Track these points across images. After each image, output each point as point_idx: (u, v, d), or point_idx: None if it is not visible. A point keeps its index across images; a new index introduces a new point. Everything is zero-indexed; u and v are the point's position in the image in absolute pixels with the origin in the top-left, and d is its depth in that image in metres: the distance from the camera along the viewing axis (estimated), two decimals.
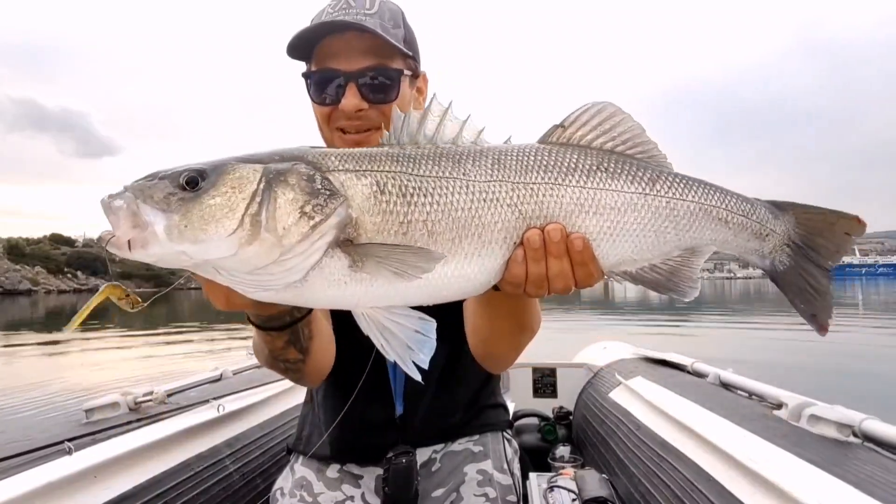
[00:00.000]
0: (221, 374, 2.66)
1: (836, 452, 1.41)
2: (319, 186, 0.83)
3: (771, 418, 1.74)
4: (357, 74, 1.27)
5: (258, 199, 0.81)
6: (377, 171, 0.87)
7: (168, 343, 14.22)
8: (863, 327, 14.91)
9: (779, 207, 1.03)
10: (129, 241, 0.78)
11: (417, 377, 0.85)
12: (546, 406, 3.17)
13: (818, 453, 1.40)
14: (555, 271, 0.91)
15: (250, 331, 1.21)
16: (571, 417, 3.03)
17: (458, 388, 1.56)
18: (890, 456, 1.36)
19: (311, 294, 0.87)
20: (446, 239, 0.87)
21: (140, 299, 1.01)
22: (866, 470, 1.29)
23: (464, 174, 0.89)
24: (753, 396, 2.07)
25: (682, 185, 0.98)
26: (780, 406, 1.78)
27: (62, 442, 1.59)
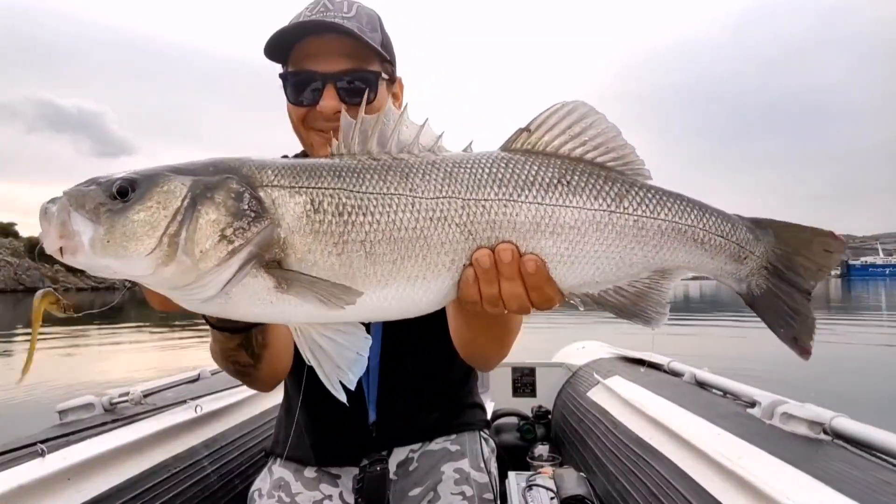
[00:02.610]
0: (199, 375, 2.63)
1: (808, 449, 1.45)
2: (246, 206, 0.79)
3: (744, 416, 1.78)
4: (335, 76, 1.26)
5: (179, 217, 0.77)
6: (314, 187, 0.82)
7: (180, 338, 13.96)
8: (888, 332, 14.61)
9: (759, 226, 0.94)
10: (60, 248, 0.77)
11: (343, 398, 0.82)
12: (525, 405, 3.19)
13: (790, 450, 1.44)
14: (508, 293, 0.86)
15: None
16: (550, 416, 3.06)
17: (436, 388, 1.57)
18: (858, 453, 1.40)
19: (234, 309, 0.84)
20: (386, 261, 0.82)
21: (70, 305, 0.98)
22: (836, 466, 1.32)
23: (410, 190, 0.83)
24: (728, 395, 2.11)
25: (653, 202, 0.88)
26: (753, 404, 1.82)
27: (34, 444, 1.56)
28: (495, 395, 3.26)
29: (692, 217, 0.90)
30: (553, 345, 4.03)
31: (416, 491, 1.46)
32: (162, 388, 2.35)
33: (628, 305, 0.90)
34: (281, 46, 1.29)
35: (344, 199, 0.82)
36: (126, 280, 0.87)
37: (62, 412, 1.93)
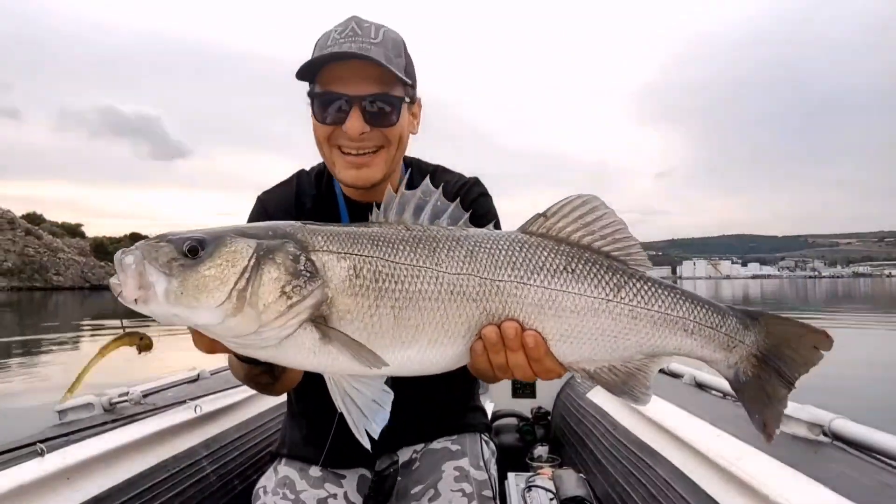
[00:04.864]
0: (199, 375, 2.63)
1: (807, 451, 1.45)
2: (302, 267, 0.90)
3: (744, 418, 1.77)
4: (361, 99, 1.31)
5: (247, 274, 0.88)
6: (357, 254, 0.93)
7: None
8: None
9: (751, 317, 1.00)
10: (135, 298, 0.86)
11: (367, 444, 0.92)
12: (525, 406, 3.19)
13: (789, 452, 1.44)
14: (513, 363, 0.96)
15: None
16: (550, 418, 3.06)
17: (440, 394, 1.58)
18: (857, 454, 1.40)
19: (283, 357, 0.94)
20: (410, 325, 0.92)
21: (148, 345, 1.08)
22: (835, 468, 1.32)
23: (436, 264, 0.94)
24: (727, 396, 2.11)
25: (648, 293, 0.96)
26: None
27: (34, 443, 1.56)
28: (495, 397, 3.26)
29: (683, 309, 0.97)
30: None
31: (417, 488, 1.48)
32: (161, 389, 2.35)
33: (619, 384, 0.98)
34: (311, 67, 1.34)
35: (380, 267, 0.93)
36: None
37: (61, 412, 1.93)
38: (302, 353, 0.92)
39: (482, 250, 0.95)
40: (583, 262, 0.96)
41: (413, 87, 1.43)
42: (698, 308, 0.97)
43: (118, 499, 1.57)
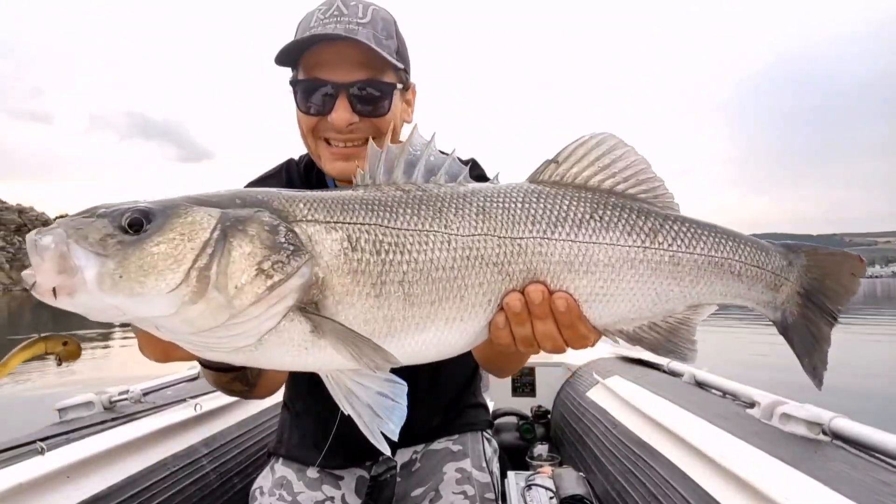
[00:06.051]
0: (199, 373, 2.63)
1: (807, 450, 1.45)
2: (283, 240, 0.73)
3: (744, 417, 1.78)
4: (348, 86, 1.21)
5: (209, 249, 0.70)
6: (349, 222, 0.77)
7: None
8: None
9: (791, 251, 0.93)
10: (53, 288, 0.67)
11: (386, 450, 0.78)
12: (524, 405, 3.19)
13: (789, 451, 1.43)
14: (541, 332, 0.84)
15: None
16: (549, 416, 3.06)
17: (441, 392, 1.57)
18: (857, 453, 1.40)
19: (265, 358, 0.77)
20: (425, 302, 0.78)
21: (74, 353, 0.91)
22: (835, 467, 1.32)
23: (445, 227, 0.79)
24: (727, 395, 2.11)
25: (688, 235, 0.86)
26: (752, 405, 1.82)
27: (34, 442, 1.56)
28: (495, 395, 3.26)
29: (728, 249, 0.88)
30: None
31: (418, 491, 1.46)
32: (161, 387, 2.35)
33: (663, 342, 0.87)
34: (292, 52, 1.24)
35: (380, 236, 0.77)
36: (129, 323, 0.76)
37: (61, 410, 1.93)
38: (289, 351, 0.76)
39: (495, 206, 0.82)
40: (609, 207, 0.84)
41: (406, 71, 1.32)
42: (742, 246, 0.88)
43: (118, 497, 1.56)
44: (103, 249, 0.68)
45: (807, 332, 0.93)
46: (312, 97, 1.24)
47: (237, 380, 1.12)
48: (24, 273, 0.68)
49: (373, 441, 0.78)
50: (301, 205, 0.78)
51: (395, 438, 0.78)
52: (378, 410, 0.79)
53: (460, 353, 0.87)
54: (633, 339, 0.87)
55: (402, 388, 0.81)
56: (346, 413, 0.80)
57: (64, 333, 0.91)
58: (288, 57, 1.25)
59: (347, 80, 1.21)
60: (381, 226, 0.78)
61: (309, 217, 0.77)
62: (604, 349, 3.34)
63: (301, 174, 1.49)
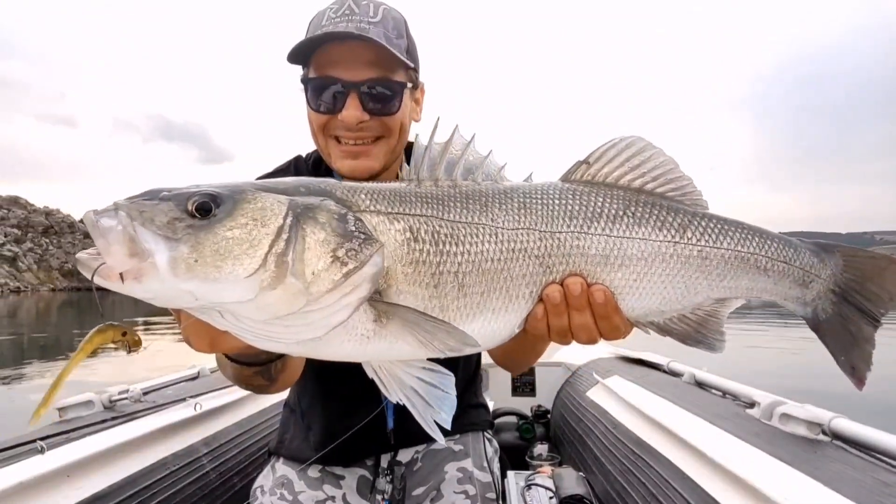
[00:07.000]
0: (199, 372, 2.64)
1: (807, 450, 1.45)
2: (353, 228, 0.73)
3: (744, 417, 1.78)
4: (359, 85, 1.22)
5: (284, 235, 0.69)
6: (410, 214, 0.79)
7: None
8: None
9: (825, 250, 0.94)
10: (121, 273, 0.64)
11: (441, 439, 0.81)
12: (524, 405, 3.19)
13: (789, 451, 1.44)
14: (577, 324, 0.87)
15: None
16: (549, 416, 3.06)
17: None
18: (857, 454, 1.40)
19: (326, 349, 0.77)
20: (475, 293, 0.80)
21: (138, 341, 0.91)
22: (835, 467, 1.32)
23: (492, 220, 0.83)
24: (727, 395, 2.11)
25: (715, 231, 0.90)
26: (752, 405, 1.82)
27: (34, 441, 1.56)
28: (495, 395, 3.26)
29: (754, 244, 0.91)
30: (553, 344, 4.01)
31: (419, 490, 1.47)
32: (161, 386, 2.35)
33: (692, 333, 0.90)
34: (303, 49, 1.25)
35: (437, 228, 0.79)
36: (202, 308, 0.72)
37: (62, 409, 1.93)
38: (352, 341, 0.76)
39: (534, 202, 0.85)
40: (641, 204, 0.88)
41: (416, 70, 1.33)
42: (769, 242, 0.91)
43: (118, 496, 1.57)
44: (173, 233, 0.66)
45: (843, 331, 0.94)
46: (323, 95, 1.25)
47: (260, 374, 1.12)
48: (82, 256, 0.65)
49: (427, 429, 0.79)
50: (363, 195, 0.79)
51: (448, 427, 0.80)
52: (430, 401, 0.81)
53: (500, 344, 0.89)
54: (664, 330, 0.90)
55: (451, 378, 0.83)
56: (399, 403, 0.81)
57: (118, 324, 0.91)
58: (300, 55, 1.26)
59: (358, 79, 1.22)
60: (437, 218, 0.80)
61: (372, 208, 0.78)
62: (604, 349, 3.34)
63: (309, 171, 1.49)
